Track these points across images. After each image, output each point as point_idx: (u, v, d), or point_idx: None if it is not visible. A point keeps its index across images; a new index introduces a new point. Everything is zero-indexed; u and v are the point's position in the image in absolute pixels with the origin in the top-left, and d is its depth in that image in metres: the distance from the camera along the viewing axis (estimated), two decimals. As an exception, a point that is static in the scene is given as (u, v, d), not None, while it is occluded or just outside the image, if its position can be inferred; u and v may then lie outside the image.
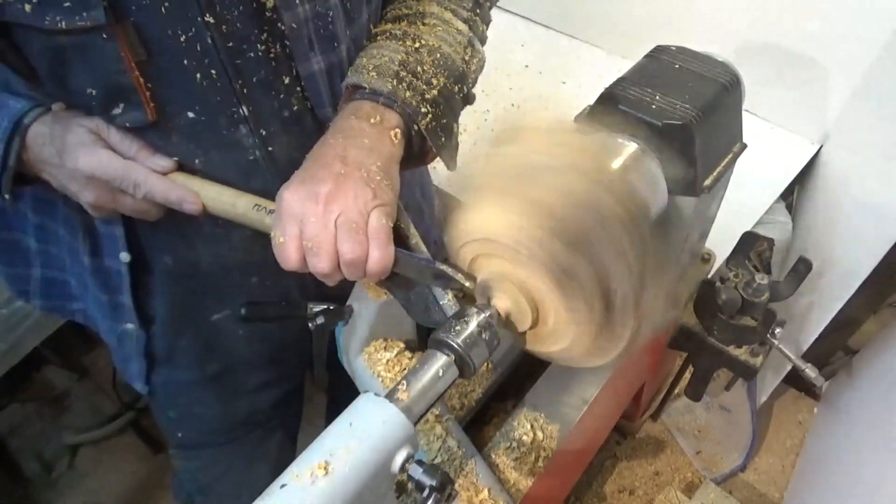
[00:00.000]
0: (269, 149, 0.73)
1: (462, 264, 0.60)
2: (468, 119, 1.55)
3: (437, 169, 1.44)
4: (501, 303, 0.57)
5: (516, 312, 0.57)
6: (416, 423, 0.51)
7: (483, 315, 0.56)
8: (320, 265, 0.60)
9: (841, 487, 1.43)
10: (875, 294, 1.72)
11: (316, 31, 0.69)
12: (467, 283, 0.60)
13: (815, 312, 1.47)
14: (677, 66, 0.74)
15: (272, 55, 0.68)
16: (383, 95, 0.70)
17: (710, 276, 1.02)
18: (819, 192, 1.54)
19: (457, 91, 0.77)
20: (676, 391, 1.54)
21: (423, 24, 0.78)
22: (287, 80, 0.70)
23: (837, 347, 1.87)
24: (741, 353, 0.94)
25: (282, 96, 0.71)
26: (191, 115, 0.67)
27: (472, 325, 0.55)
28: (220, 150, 0.71)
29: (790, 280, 0.92)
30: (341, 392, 1.05)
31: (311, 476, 0.46)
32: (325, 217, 0.60)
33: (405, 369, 0.72)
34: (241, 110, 0.69)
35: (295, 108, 0.72)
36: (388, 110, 0.69)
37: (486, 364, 0.81)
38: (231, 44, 0.64)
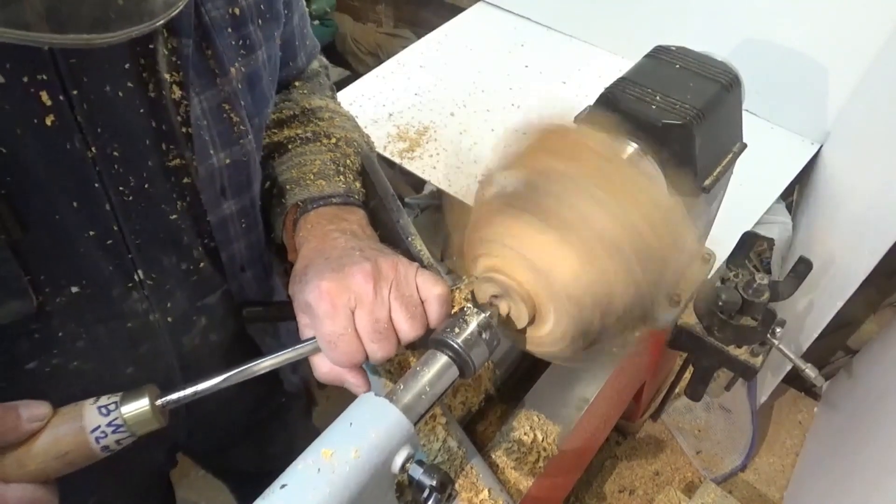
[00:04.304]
0: (165, 307, 0.67)
1: (466, 258, 0.60)
2: (469, 119, 1.56)
3: (436, 169, 1.44)
4: (502, 303, 0.57)
5: (515, 312, 0.57)
6: (416, 424, 0.51)
7: (483, 315, 0.55)
8: (386, 348, 0.56)
9: (841, 487, 1.43)
10: (875, 294, 1.72)
11: (230, 178, 0.65)
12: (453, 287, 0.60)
13: (815, 312, 1.47)
14: (677, 66, 0.73)
15: (179, 209, 0.62)
16: (339, 196, 0.71)
17: (709, 276, 1.02)
18: (819, 192, 1.54)
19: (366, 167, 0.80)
20: (676, 391, 1.54)
21: (322, 120, 0.80)
22: (192, 231, 0.65)
23: (837, 347, 1.88)
24: (741, 353, 0.94)
25: (183, 249, 0.65)
26: (75, 289, 0.58)
27: (473, 325, 0.55)
28: (107, 323, 0.63)
29: (790, 280, 0.92)
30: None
31: (311, 476, 0.46)
32: (378, 294, 0.56)
33: (405, 369, 0.72)
34: (136, 275, 0.62)
35: (195, 256, 0.67)
36: (349, 206, 0.71)
37: (486, 364, 0.81)
38: (132, 206, 0.58)
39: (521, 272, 0.53)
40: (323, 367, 0.58)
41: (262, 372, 0.57)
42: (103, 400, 0.52)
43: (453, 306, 0.64)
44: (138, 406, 0.52)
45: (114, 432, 0.51)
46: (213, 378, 0.55)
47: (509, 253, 0.54)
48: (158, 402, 0.53)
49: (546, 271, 0.51)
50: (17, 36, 0.35)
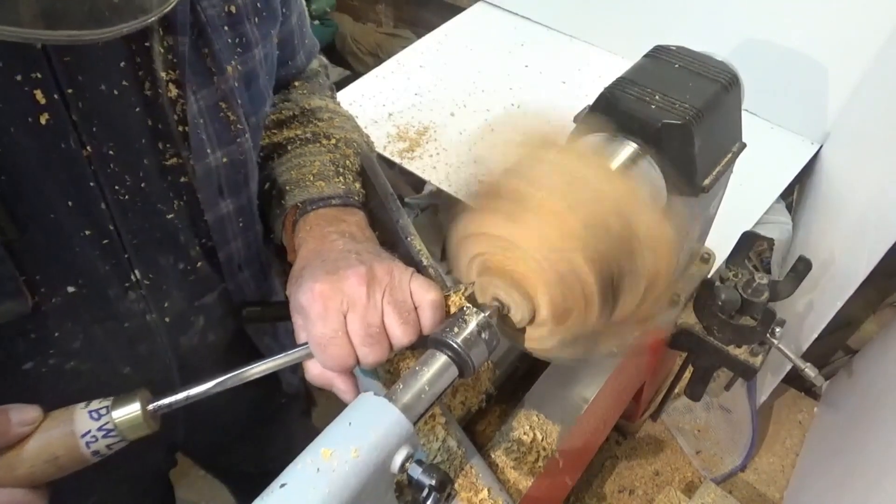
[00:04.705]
0: (163, 307, 0.66)
1: (461, 258, 0.60)
2: (468, 119, 1.56)
3: (436, 169, 1.44)
4: (501, 302, 0.57)
5: (514, 310, 0.57)
6: (415, 423, 0.51)
7: (482, 315, 0.55)
8: (377, 353, 0.55)
9: (841, 487, 1.43)
10: (875, 294, 1.72)
11: (227, 177, 0.65)
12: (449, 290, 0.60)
13: (815, 312, 1.47)
14: (677, 65, 0.73)
15: (175, 208, 0.62)
16: (339, 197, 0.71)
17: (709, 275, 1.02)
18: (819, 192, 1.54)
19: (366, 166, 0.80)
20: (676, 391, 1.54)
21: (321, 121, 0.79)
22: (189, 231, 0.65)
23: (837, 347, 1.88)
24: (741, 352, 0.94)
25: (180, 248, 0.65)
26: (71, 289, 0.58)
27: (472, 325, 0.55)
28: (103, 323, 0.62)
29: (790, 280, 0.92)
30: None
31: (311, 476, 0.46)
32: (371, 298, 0.55)
33: (405, 369, 0.72)
34: (132, 275, 0.62)
35: (192, 255, 0.67)
36: (349, 207, 0.71)
37: (486, 363, 0.81)
38: (128, 205, 0.57)
39: (511, 260, 0.54)
40: (314, 370, 0.58)
41: (256, 377, 0.56)
42: (94, 404, 0.52)
43: (452, 308, 0.64)
44: (129, 411, 0.52)
45: (104, 437, 0.51)
46: (206, 383, 0.55)
47: (498, 247, 0.54)
48: (150, 406, 0.53)
49: (526, 246, 0.52)
50: (10, 33, 0.35)
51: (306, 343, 0.57)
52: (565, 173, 0.53)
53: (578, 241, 0.50)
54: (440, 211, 1.76)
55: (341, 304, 0.55)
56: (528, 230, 0.52)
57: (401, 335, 0.56)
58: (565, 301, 0.53)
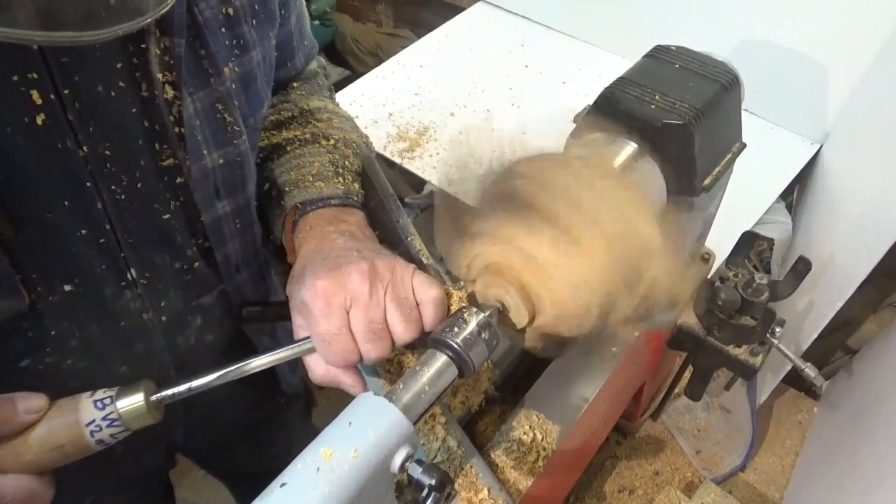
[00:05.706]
0: (159, 307, 0.67)
1: (464, 258, 0.60)
2: (468, 119, 1.56)
3: (436, 168, 1.44)
4: (502, 302, 0.57)
5: (515, 311, 0.57)
6: (415, 423, 0.51)
7: (482, 315, 0.55)
8: (380, 349, 0.56)
9: (841, 487, 1.43)
10: (875, 294, 1.72)
11: (224, 179, 0.65)
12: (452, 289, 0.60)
13: (815, 312, 1.47)
14: (677, 65, 0.73)
15: (172, 209, 0.62)
16: (338, 198, 0.71)
17: (709, 276, 1.02)
18: (819, 192, 1.54)
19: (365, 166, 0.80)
20: (676, 391, 1.54)
21: (320, 121, 0.80)
22: (185, 231, 0.65)
23: (837, 347, 1.87)
24: (741, 352, 0.94)
25: (176, 248, 0.65)
26: (68, 288, 0.58)
27: (472, 325, 0.55)
28: (100, 321, 0.63)
29: (790, 280, 0.92)
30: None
31: (311, 475, 0.46)
32: (373, 295, 0.55)
33: (405, 369, 0.72)
34: (128, 274, 0.62)
35: (189, 255, 0.67)
36: (348, 207, 0.71)
37: (486, 363, 0.81)
38: (125, 205, 0.57)
39: (523, 269, 0.53)
40: (318, 370, 0.58)
41: (258, 370, 0.57)
42: (99, 394, 0.52)
43: (453, 305, 0.64)
44: (134, 401, 0.52)
45: (109, 426, 0.52)
46: (209, 375, 0.55)
47: (510, 250, 0.53)
48: (154, 397, 0.53)
49: (547, 266, 0.51)
50: (6, 33, 0.35)
51: (308, 337, 0.57)
52: (610, 208, 0.52)
53: (605, 285, 0.50)
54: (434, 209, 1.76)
55: (344, 301, 0.55)
56: (561, 259, 0.51)
57: (403, 332, 0.56)
58: (568, 319, 0.53)
